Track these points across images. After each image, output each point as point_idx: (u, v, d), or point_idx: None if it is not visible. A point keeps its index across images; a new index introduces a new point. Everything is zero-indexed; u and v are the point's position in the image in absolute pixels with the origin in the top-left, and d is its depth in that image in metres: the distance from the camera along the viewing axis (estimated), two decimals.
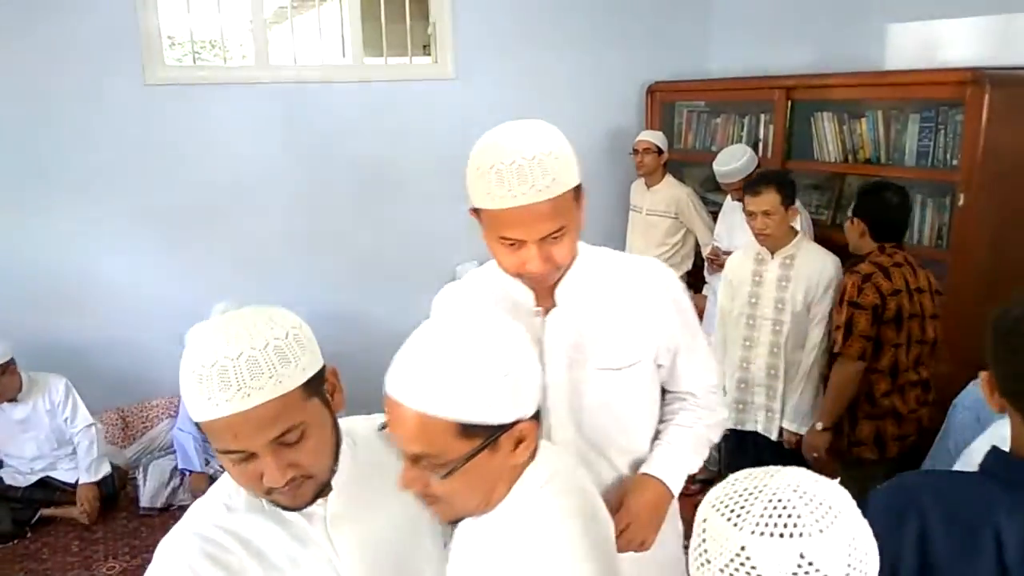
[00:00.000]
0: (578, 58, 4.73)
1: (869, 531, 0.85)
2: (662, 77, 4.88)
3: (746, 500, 0.84)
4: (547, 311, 1.49)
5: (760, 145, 4.23)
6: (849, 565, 0.81)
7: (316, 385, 1.06)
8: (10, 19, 3.50)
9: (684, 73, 4.90)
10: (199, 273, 4.03)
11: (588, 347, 1.49)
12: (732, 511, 0.83)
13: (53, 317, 3.75)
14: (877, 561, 0.85)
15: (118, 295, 3.91)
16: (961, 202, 3.20)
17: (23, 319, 3.65)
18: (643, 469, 1.55)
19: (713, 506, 0.86)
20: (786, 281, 3.03)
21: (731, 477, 0.89)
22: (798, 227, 3.16)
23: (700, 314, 3.94)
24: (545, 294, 1.48)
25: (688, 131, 4.88)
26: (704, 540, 0.85)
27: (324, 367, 1.10)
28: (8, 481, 3.63)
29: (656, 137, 4.40)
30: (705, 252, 4.14)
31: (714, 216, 4.21)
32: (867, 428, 2.84)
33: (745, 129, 4.41)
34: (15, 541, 3.50)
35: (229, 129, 4.00)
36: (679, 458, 1.57)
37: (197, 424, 1.03)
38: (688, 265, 4.40)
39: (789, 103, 4.00)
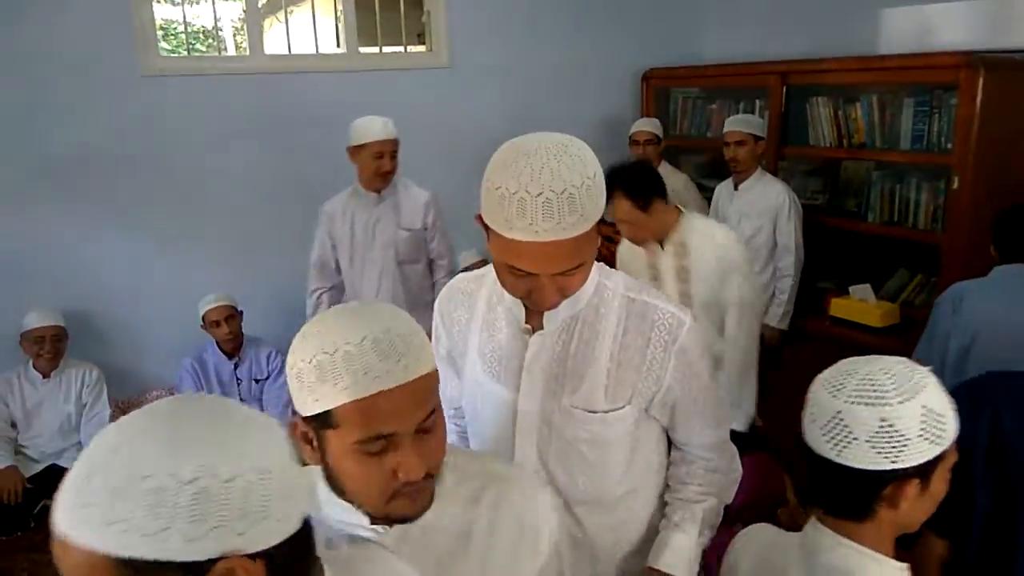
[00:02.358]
0: (573, 45, 4.72)
1: (948, 406, 1.08)
2: (657, 64, 4.87)
3: (844, 378, 1.10)
4: (534, 331, 1.38)
5: None
6: (923, 429, 1.05)
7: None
8: (3, 10, 3.50)
9: (679, 59, 4.89)
10: (195, 264, 4.04)
11: (567, 381, 1.37)
12: (833, 386, 1.10)
13: (49, 309, 3.75)
14: (954, 430, 1.08)
15: (113, 287, 3.93)
16: (955, 185, 3.21)
17: (17, 310, 3.65)
18: (652, 561, 1.44)
19: (820, 383, 1.13)
20: (684, 272, 2.78)
21: (839, 364, 1.14)
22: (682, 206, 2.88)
23: None
24: (538, 312, 1.37)
25: (683, 118, 4.88)
26: (813, 407, 1.12)
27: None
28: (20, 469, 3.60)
29: (654, 126, 4.39)
30: None
31: (708, 203, 4.20)
32: None
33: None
34: (19, 533, 3.52)
35: (224, 119, 4.00)
36: (691, 547, 1.44)
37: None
38: None
39: (784, 88, 4.00)
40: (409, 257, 3.56)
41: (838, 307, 3.59)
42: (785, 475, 2.53)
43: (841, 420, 1.07)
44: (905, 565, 1.12)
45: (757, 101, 4.28)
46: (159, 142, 3.89)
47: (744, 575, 1.28)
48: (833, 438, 1.07)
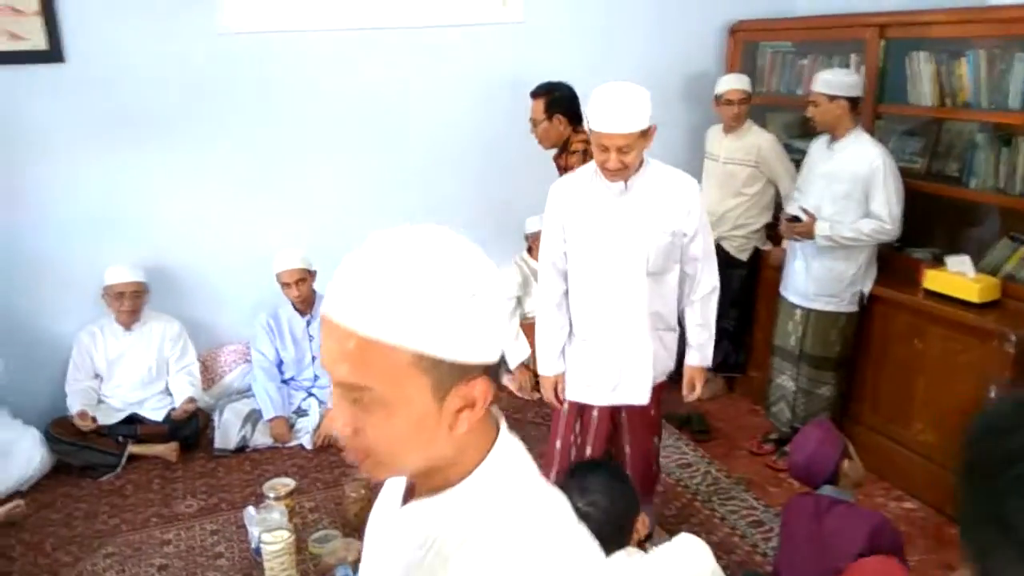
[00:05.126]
0: None
1: None
2: (745, 16, 4.62)
3: None
4: None
5: None
6: None
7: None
8: None
9: (769, 11, 4.63)
10: (268, 219, 4.10)
11: None
12: None
13: (129, 264, 3.83)
14: None
15: (188, 242, 4.02)
16: None
17: (101, 264, 3.77)
18: None
19: None
20: None
21: None
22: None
23: (779, 267, 3.77)
24: None
25: (771, 74, 4.62)
26: None
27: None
28: (101, 420, 3.74)
29: (746, 83, 4.16)
30: (786, 205, 3.88)
31: (797, 164, 3.98)
32: None
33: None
34: (105, 476, 3.67)
35: (297, 75, 4.00)
36: None
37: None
38: (767, 217, 4.21)
39: (882, 42, 3.73)
40: (659, 267, 2.67)
41: (933, 279, 3.36)
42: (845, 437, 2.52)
43: None
44: None
45: (853, 56, 4.00)
46: (241, 99, 3.93)
47: None
48: None
